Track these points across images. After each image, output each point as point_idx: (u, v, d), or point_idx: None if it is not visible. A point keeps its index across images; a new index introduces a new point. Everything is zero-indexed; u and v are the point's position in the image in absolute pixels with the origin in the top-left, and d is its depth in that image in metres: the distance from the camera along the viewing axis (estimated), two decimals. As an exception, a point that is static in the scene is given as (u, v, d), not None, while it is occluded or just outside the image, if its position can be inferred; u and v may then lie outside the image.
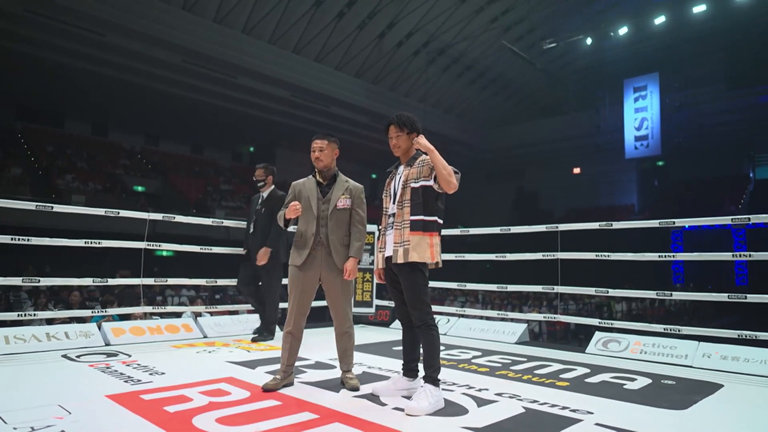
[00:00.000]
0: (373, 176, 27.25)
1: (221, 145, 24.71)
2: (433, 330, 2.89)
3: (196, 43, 16.93)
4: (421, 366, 2.98)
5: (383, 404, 2.84)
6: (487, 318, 5.89)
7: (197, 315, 5.66)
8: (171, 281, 5.36)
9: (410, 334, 3.07)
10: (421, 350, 2.93)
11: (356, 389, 3.10)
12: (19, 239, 4.14)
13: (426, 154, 2.91)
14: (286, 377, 3.13)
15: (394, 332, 5.64)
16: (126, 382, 3.17)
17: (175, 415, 2.53)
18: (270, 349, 4.42)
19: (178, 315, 5.96)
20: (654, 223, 4.65)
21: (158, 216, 5.03)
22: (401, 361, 3.12)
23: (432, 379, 2.82)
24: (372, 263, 6.16)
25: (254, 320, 5.58)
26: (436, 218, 2.93)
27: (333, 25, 19.74)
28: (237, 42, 18.11)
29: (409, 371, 3.05)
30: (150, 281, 5.21)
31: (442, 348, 4.59)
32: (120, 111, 19.86)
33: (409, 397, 2.89)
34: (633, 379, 3.54)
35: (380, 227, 3.16)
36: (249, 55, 18.42)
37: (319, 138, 3.29)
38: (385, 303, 6.24)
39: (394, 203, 3.02)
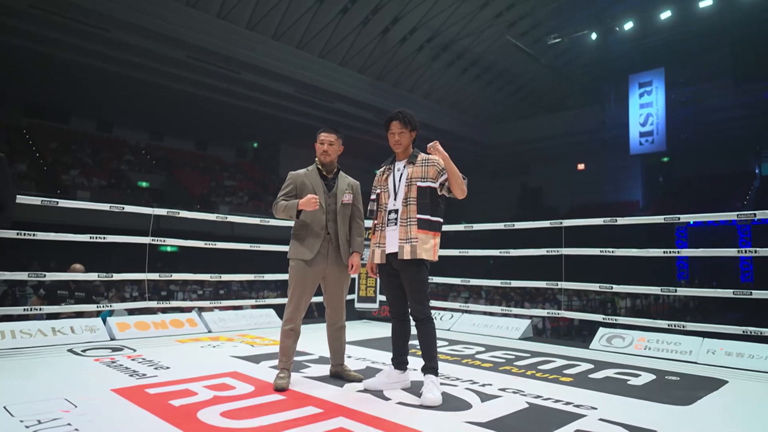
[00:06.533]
0: (376, 172, 27.18)
1: (225, 141, 24.74)
2: (433, 323, 2.98)
3: (200, 38, 16.95)
4: (410, 358, 3.12)
5: (387, 398, 2.85)
6: (491, 314, 5.89)
7: (202, 309, 5.68)
8: (176, 276, 5.38)
9: (402, 329, 3.12)
10: (418, 342, 2.98)
11: (361, 380, 3.14)
12: (24, 234, 4.16)
13: (427, 153, 3.01)
14: (289, 373, 3.14)
15: (398, 328, 5.65)
16: (131, 376, 3.19)
17: (180, 409, 2.55)
18: (274, 343, 4.43)
19: (183, 310, 5.99)
20: (659, 219, 4.63)
21: (163, 211, 5.04)
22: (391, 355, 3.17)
23: (434, 370, 2.90)
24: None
25: (258, 315, 5.60)
26: (439, 219, 3.00)
27: (337, 21, 19.71)
28: (241, 38, 18.11)
29: (401, 364, 3.10)
30: (155, 276, 5.22)
31: (446, 343, 4.62)
32: (124, 107, 19.92)
33: (406, 390, 3.00)
34: (637, 375, 3.54)
35: (376, 222, 3.15)
36: (253, 50, 18.42)
37: (327, 132, 3.24)
38: (389, 299, 6.24)
39: (395, 200, 3.03)
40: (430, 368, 2.90)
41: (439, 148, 2.95)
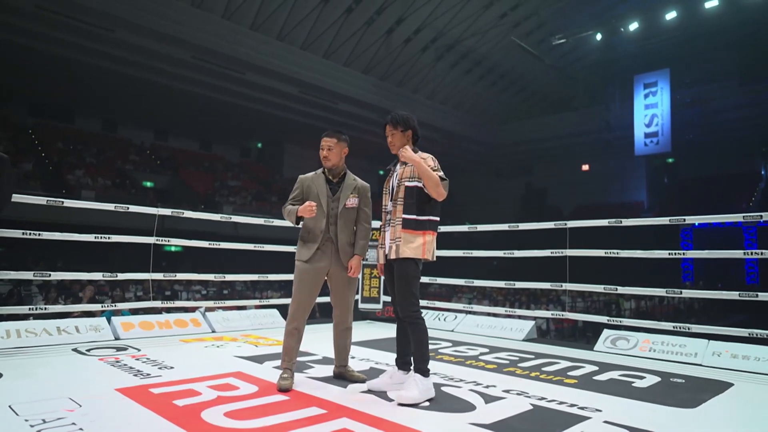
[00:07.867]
0: (381, 172, 27.22)
1: (229, 141, 24.78)
2: (420, 322, 2.96)
3: (205, 39, 16.97)
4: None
5: (390, 399, 2.85)
6: (495, 315, 5.87)
7: (207, 309, 5.69)
8: (180, 276, 5.39)
9: (405, 329, 3.11)
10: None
11: (365, 381, 3.14)
12: (30, 233, 4.17)
13: (424, 153, 3.00)
14: (293, 374, 3.14)
15: (402, 328, 5.64)
16: (135, 375, 3.20)
17: (184, 409, 2.56)
18: (278, 344, 4.43)
19: (187, 310, 6.00)
20: (664, 220, 4.61)
21: (167, 211, 5.05)
22: (395, 356, 3.16)
23: (421, 369, 2.88)
24: (379, 259, 6.15)
25: (262, 315, 5.61)
26: (429, 217, 2.98)
27: (341, 22, 19.70)
28: (245, 38, 18.13)
29: (404, 364, 3.11)
30: (159, 276, 5.23)
31: (449, 344, 4.61)
32: (129, 107, 19.97)
33: None
34: (642, 377, 3.52)
35: (381, 224, 3.20)
36: (257, 51, 18.44)
37: (328, 136, 3.25)
38: (393, 299, 6.23)
39: (391, 200, 3.07)
40: (417, 369, 2.89)
41: (406, 154, 2.94)
